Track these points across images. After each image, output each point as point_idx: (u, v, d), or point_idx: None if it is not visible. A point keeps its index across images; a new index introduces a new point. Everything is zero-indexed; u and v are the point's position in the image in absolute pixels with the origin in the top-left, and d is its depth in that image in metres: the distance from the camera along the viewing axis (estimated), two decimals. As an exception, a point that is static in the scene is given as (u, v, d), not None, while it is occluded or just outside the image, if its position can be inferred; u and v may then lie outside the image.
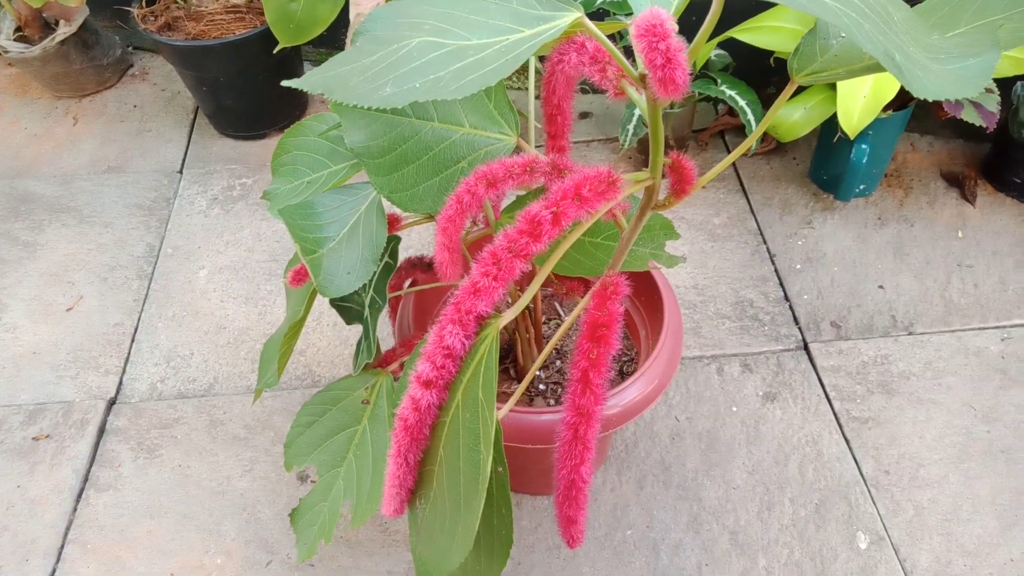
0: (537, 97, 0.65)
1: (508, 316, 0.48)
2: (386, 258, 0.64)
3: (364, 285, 0.64)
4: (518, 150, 0.59)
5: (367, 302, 0.70)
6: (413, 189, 0.61)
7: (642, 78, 0.41)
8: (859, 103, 1.01)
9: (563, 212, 0.44)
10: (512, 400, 0.54)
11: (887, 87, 1.02)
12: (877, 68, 0.45)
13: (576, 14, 0.39)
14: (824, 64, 0.47)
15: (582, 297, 0.85)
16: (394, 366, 0.75)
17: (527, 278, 0.72)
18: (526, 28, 0.39)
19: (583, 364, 0.51)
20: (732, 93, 1.15)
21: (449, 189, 0.61)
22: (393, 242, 0.65)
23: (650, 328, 0.86)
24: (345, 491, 0.73)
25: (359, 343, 0.71)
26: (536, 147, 0.63)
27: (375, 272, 0.61)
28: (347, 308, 0.73)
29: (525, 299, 0.49)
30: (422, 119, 0.62)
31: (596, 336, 0.51)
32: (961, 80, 0.37)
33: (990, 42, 0.42)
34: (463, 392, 0.49)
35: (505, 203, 0.66)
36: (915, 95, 0.33)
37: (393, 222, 0.73)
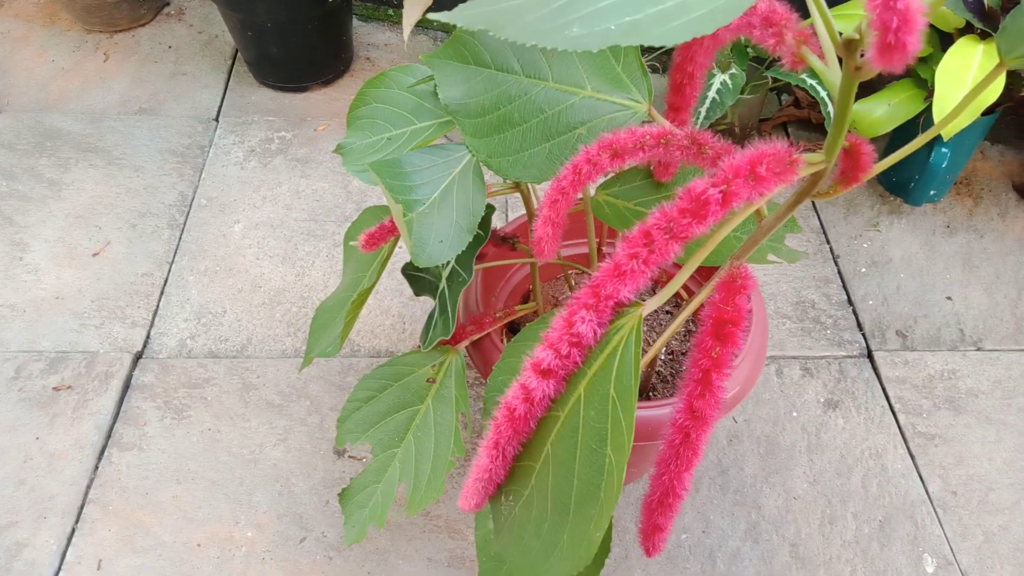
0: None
1: (651, 305, 0.43)
2: (477, 229, 0.58)
3: (445, 255, 0.58)
4: (648, 119, 0.53)
5: (445, 275, 0.64)
6: (517, 155, 0.55)
7: (847, 44, 0.35)
8: (958, 103, 0.94)
9: (735, 192, 0.38)
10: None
11: (990, 88, 0.96)
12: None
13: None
14: (1040, 44, 0.40)
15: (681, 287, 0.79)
16: (463, 345, 0.70)
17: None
18: (736, -31, 0.33)
19: (705, 363, 0.46)
20: (813, 82, 1.09)
21: (561, 158, 0.55)
22: (488, 211, 0.59)
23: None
24: (401, 474, 0.68)
25: (430, 318, 0.65)
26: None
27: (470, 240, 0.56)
28: (419, 278, 0.67)
29: (673, 286, 0.43)
30: (532, 78, 0.56)
31: (721, 333, 0.45)
32: None
33: None
34: (587, 386, 0.43)
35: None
36: None
37: (478, 189, 0.67)
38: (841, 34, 0.35)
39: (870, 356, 1.04)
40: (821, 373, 1.01)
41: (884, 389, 1.00)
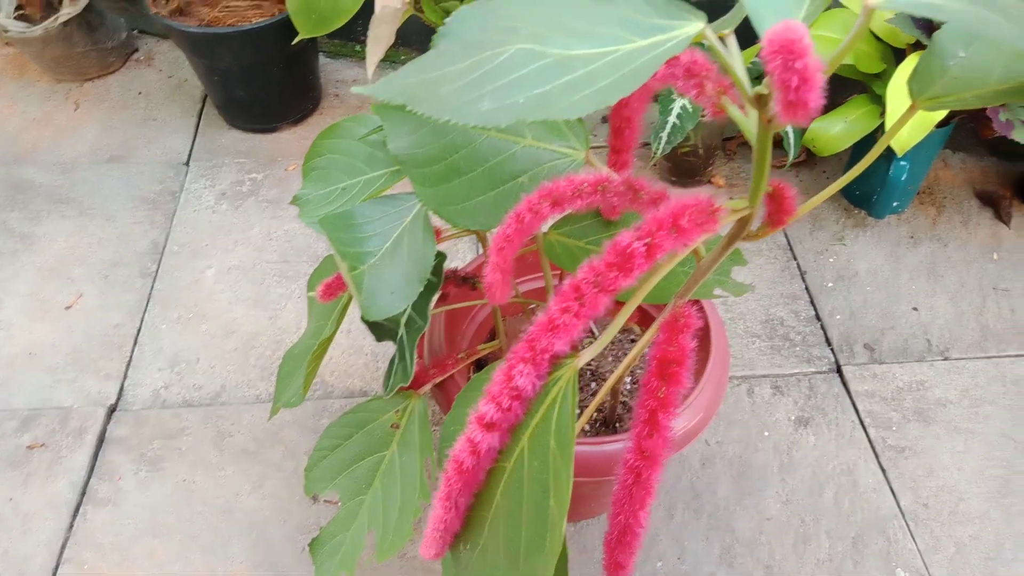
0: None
1: (587, 355, 0.44)
2: (430, 276, 0.59)
3: (402, 303, 0.59)
4: (586, 166, 0.54)
5: (403, 320, 0.65)
6: (464, 203, 0.56)
7: (758, 98, 0.36)
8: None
9: (658, 244, 0.40)
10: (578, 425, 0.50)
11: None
12: (1010, 95, 0.40)
13: (699, 24, 0.34)
14: (946, 87, 0.42)
15: (635, 321, 0.81)
16: (426, 388, 0.71)
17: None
18: (639, 38, 0.34)
19: (651, 403, 0.47)
20: (769, 103, 1.11)
21: (506, 205, 0.56)
22: (439, 259, 0.60)
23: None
24: (370, 521, 0.68)
25: (391, 364, 0.66)
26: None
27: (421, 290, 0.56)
28: (380, 325, 0.68)
29: (606, 337, 0.44)
30: (476, 128, 0.57)
31: (666, 373, 0.46)
32: None
33: None
34: (530, 437, 0.44)
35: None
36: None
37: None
38: (758, 95, 0.36)
39: (839, 371, 1.05)
40: (791, 391, 1.03)
41: (854, 404, 1.01)
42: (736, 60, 0.38)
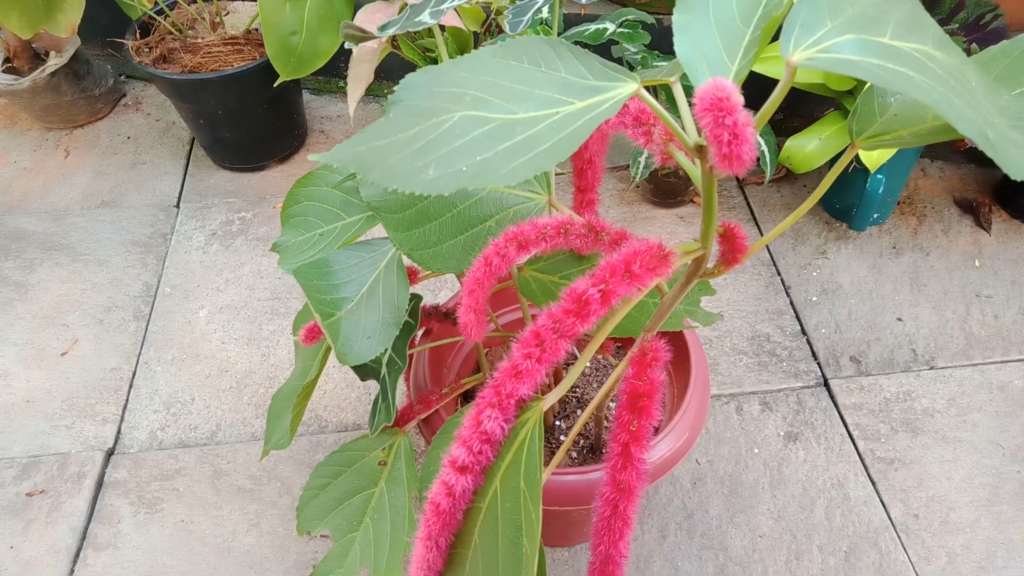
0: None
1: (551, 399, 0.45)
2: (407, 317, 0.60)
3: (382, 345, 0.61)
4: (550, 209, 0.56)
5: (385, 360, 0.66)
6: (436, 247, 0.58)
7: (698, 148, 0.38)
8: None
9: (612, 290, 0.41)
10: (552, 466, 0.51)
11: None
12: (944, 133, 0.42)
13: (633, 85, 0.36)
14: (885, 126, 0.44)
15: (611, 352, 0.82)
16: (412, 424, 0.72)
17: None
18: (577, 100, 0.36)
19: (624, 437, 0.48)
20: (745, 123, 1.13)
21: (475, 248, 0.58)
22: (414, 301, 0.62)
23: (675, 375, 0.83)
24: (362, 558, 0.69)
25: (375, 403, 0.68)
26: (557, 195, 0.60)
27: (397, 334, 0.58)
28: (363, 365, 0.69)
29: (569, 380, 0.45)
30: (443, 173, 0.59)
31: (636, 407, 0.48)
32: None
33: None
34: (502, 479, 0.46)
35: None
36: (1012, 176, 0.30)
37: (411, 274, 0.70)
38: (698, 145, 0.38)
39: (826, 384, 1.06)
40: (780, 406, 1.04)
41: (842, 417, 1.02)
42: (682, 108, 0.40)
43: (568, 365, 0.88)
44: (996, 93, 0.40)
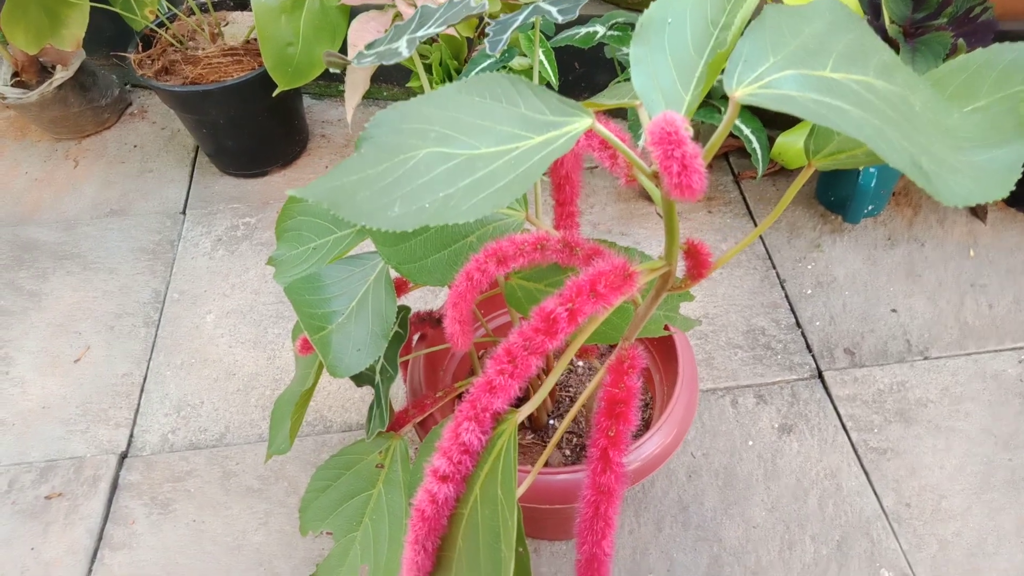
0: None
1: (526, 411, 0.47)
2: (396, 328, 0.63)
3: (374, 354, 0.63)
4: (527, 224, 0.58)
5: (378, 369, 0.69)
6: (422, 261, 0.60)
7: (655, 175, 0.40)
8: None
9: (579, 309, 0.43)
10: (537, 467, 0.54)
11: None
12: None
13: (587, 120, 0.38)
14: (841, 144, 0.45)
15: (595, 356, 0.84)
16: (408, 428, 0.75)
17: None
18: (535, 135, 0.38)
19: (602, 442, 0.50)
20: (737, 122, 1.14)
21: (458, 262, 0.60)
22: (403, 312, 0.64)
23: (664, 373, 0.85)
24: (362, 556, 0.72)
25: (371, 409, 0.70)
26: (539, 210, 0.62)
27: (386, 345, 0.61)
28: (359, 373, 0.72)
29: (542, 393, 0.48)
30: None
31: (614, 413, 0.50)
32: (987, 177, 0.36)
33: (1015, 124, 0.40)
34: (481, 487, 0.48)
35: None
36: (944, 203, 0.32)
37: (400, 286, 0.72)
38: (655, 172, 0.40)
39: (820, 376, 1.08)
40: (774, 399, 1.06)
41: (836, 408, 1.04)
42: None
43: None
44: (946, 114, 0.42)
